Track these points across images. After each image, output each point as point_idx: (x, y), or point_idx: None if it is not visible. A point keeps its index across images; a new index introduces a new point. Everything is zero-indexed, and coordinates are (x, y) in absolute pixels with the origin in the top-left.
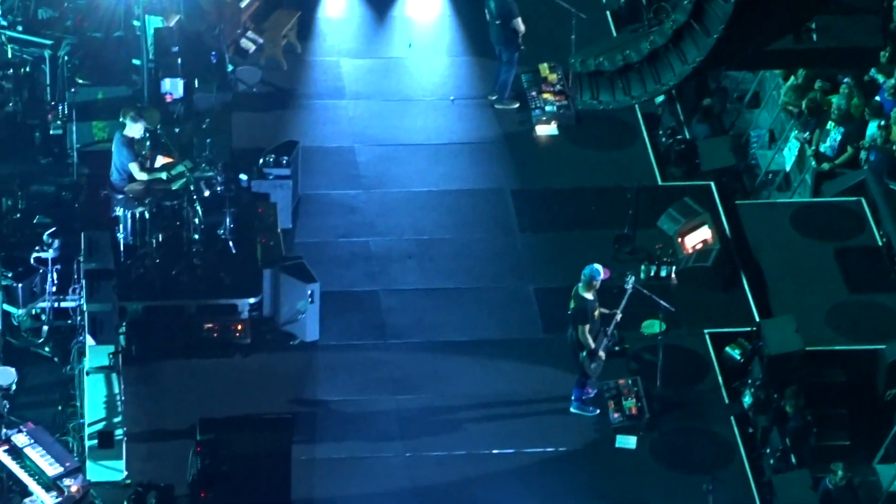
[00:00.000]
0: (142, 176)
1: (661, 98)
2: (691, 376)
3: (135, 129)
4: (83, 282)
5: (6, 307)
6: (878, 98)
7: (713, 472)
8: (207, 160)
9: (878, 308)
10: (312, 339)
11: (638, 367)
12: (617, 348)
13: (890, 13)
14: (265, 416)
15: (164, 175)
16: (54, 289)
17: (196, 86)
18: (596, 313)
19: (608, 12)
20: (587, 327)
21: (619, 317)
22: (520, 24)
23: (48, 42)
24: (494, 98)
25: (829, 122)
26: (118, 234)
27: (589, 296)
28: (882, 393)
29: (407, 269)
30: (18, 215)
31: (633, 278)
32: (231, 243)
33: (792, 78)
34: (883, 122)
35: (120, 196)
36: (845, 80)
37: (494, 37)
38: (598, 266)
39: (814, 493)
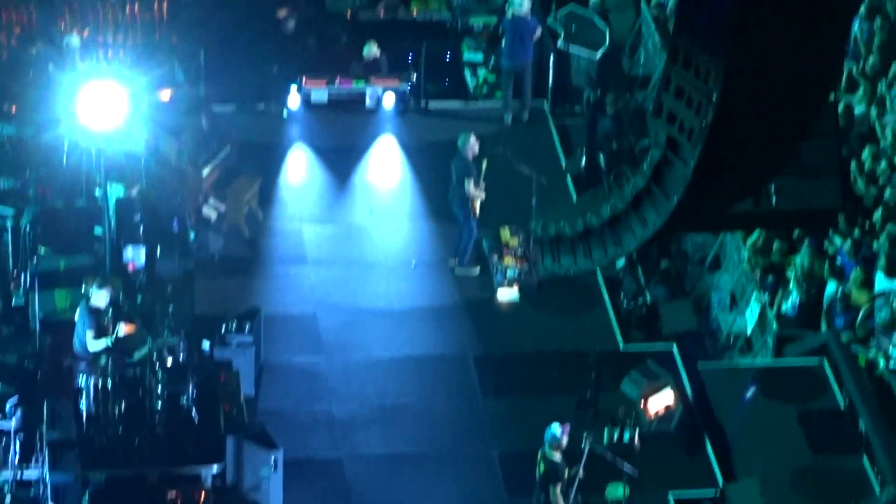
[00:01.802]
0: (99, 344)
1: (622, 262)
2: None
3: (98, 298)
4: (46, 452)
5: None
6: (838, 260)
7: None
8: (169, 328)
9: (842, 471)
10: None
11: None
12: None
13: (849, 174)
14: None
15: (108, 342)
16: (17, 459)
17: (158, 254)
18: (566, 473)
19: (569, 177)
20: (558, 487)
21: (581, 474)
22: (470, 187)
23: (10, 211)
24: (455, 263)
25: (791, 283)
26: (81, 404)
27: (557, 456)
28: None
29: (371, 434)
30: None
31: (592, 437)
32: (194, 411)
33: (754, 234)
34: (844, 285)
35: (83, 366)
36: (806, 240)
37: (451, 198)
38: (555, 425)
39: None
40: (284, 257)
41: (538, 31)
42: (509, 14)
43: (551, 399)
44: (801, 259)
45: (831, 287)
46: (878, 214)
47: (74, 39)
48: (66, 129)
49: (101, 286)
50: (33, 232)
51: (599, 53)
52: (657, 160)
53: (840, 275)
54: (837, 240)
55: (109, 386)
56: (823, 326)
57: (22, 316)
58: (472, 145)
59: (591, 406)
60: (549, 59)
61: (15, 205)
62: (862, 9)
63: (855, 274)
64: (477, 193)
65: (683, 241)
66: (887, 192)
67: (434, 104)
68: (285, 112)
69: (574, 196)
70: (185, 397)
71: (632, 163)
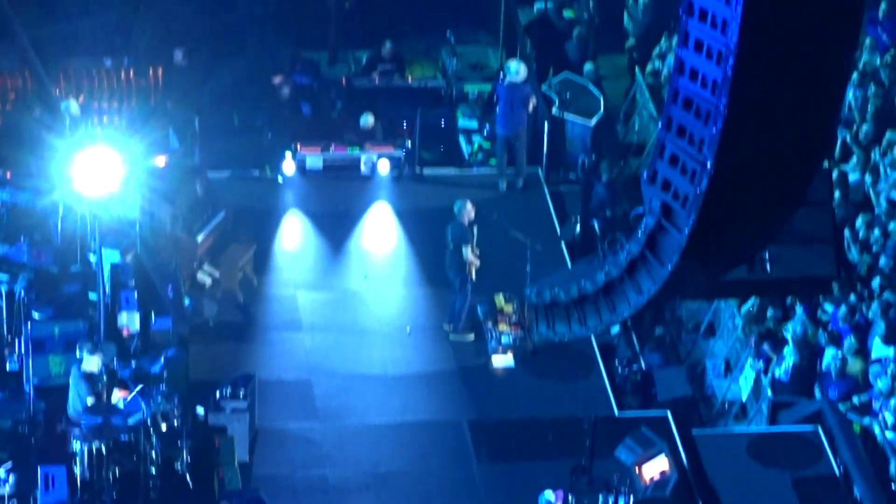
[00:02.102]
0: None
1: (616, 328)
2: None
3: (92, 363)
4: None
5: None
6: (831, 327)
7: None
8: (164, 393)
9: None
10: None
11: None
12: None
13: (843, 242)
14: None
15: (116, 400)
16: None
17: (153, 320)
18: None
19: (563, 244)
20: None
21: None
22: (467, 253)
23: (4, 277)
24: (449, 329)
25: (786, 348)
26: (75, 469)
27: None
28: None
29: (366, 501)
30: None
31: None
32: (188, 477)
33: (748, 303)
34: (840, 353)
35: (77, 431)
36: (800, 306)
37: (448, 263)
38: (548, 492)
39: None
40: (279, 323)
41: (533, 99)
42: (504, 81)
43: (546, 465)
44: (795, 326)
45: (826, 354)
46: (876, 282)
47: (73, 106)
48: (61, 194)
49: (92, 351)
50: (28, 297)
51: (594, 121)
52: (652, 227)
53: (836, 341)
54: (829, 307)
55: (104, 451)
56: (818, 393)
57: (16, 381)
58: (468, 211)
59: (585, 473)
60: (543, 125)
61: (9, 270)
62: (855, 76)
63: (849, 342)
64: (473, 259)
65: (678, 307)
66: (882, 260)
67: (429, 171)
68: (280, 178)
69: (569, 263)
70: (179, 463)
71: (626, 230)
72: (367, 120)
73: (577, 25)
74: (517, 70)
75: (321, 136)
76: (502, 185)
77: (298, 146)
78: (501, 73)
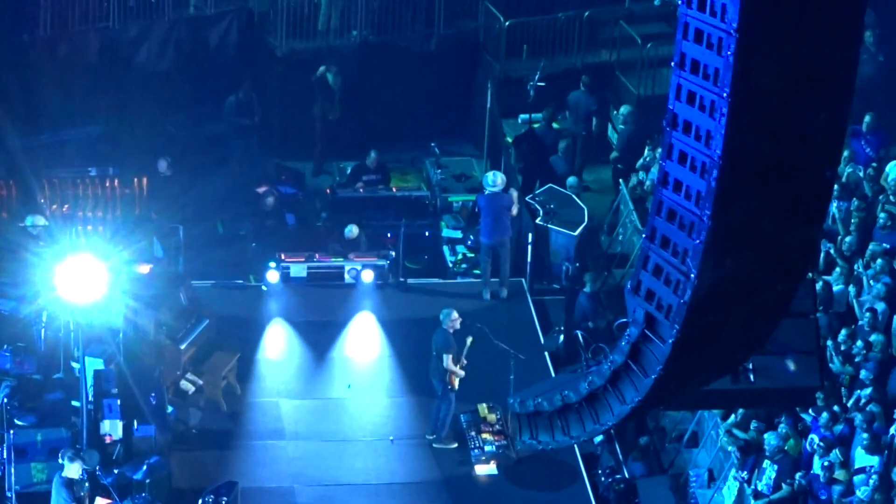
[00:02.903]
0: None
1: (599, 438)
2: None
3: (72, 470)
4: None
5: None
6: (815, 436)
7: None
8: (147, 501)
9: None
10: None
11: None
12: None
13: (824, 353)
14: None
15: None
16: None
17: (135, 427)
18: None
19: (547, 353)
20: None
21: None
22: (448, 362)
23: None
24: (433, 437)
25: (766, 460)
26: None
27: None
28: None
29: None
30: None
31: None
32: None
33: (732, 417)
34: (826, 462)
35: None
36: (782, 420)
37: (431, 370)
38: None
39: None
40: (262, 431)
41: (514, 208)
42: (486, 191)
43: None
44: (770, 439)
45: (812, 464)
46: (866, 391)
47: (39, 219)
48: (44, 302)
49: (74, 459)
50: (10, 404)
51: (578, 231)
52: (635, 337)
53: (824, 452)
54: (807, 418)
55: None
56: None
57: None
58: (454, 320)
59: None
60: (527, 236)
61: None
62: (836, 188)
63: (834, 453)
64: (455, 369)
65: (661, 417)
66: (862, 372)
67: (413, 280)
68: (264, 287)
69: (552, 372)
70: None
71: (610, 340)
72: (352, 230)
73: (563, 138)
74: (493, 181)
75: (305, 246)
76: (486, 295)
77: (282, 256)
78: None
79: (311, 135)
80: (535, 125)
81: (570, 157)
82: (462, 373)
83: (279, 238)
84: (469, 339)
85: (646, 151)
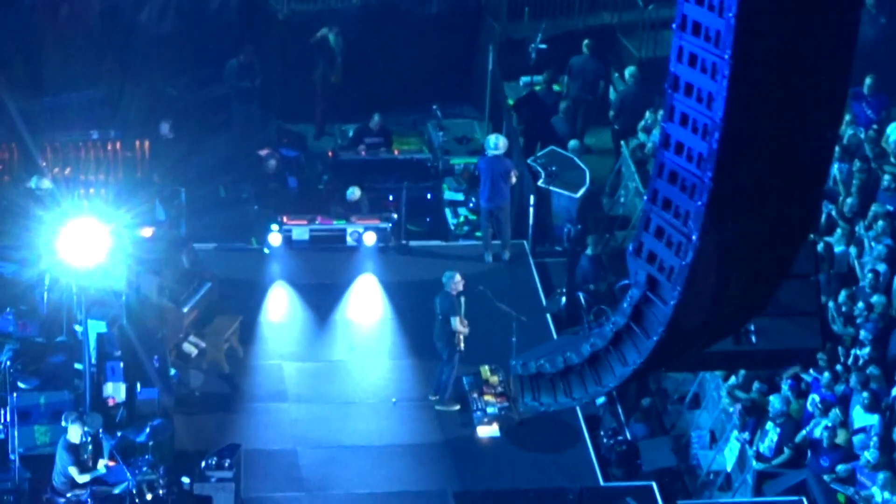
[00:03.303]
0: (83, 478)
1: (602, 399)
2: None
3: (74, 433)
4: None
5: None
6: (816, 396)
7: None
8: (149, 463)
9: None
10: None
11: None
12: None
13: (826, 314)
14: None
15: (102, 469)
16: None
17: (138, 390)
18: None
19: (549, 315)
20: None
21: None
22: (456, 324)
23: None
24: (435, 399)
25: (768, 423)
26: None
27: None
28: None
29: None
30: None
31: None
32: None
33: (732, 378)
34: (829, 423)
35: (62, 500)
36: (786, 380)
37: (436, 334)
38: None
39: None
40: (264, 394)
41: (514, 172)
42: (487, 153)
43: None
44: (775, 401)
45: (816, 425)
46: (864, 351)
47: (45, 182)
48: (47, 265)
49: (75, 422)
50: (13, 367)
51: (580, 193)
52: (637, 299)
53: (825, 411)
54: (808, 376)
55: None
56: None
57: (2, 450)
58: (457, 283)
59: None
60: (529, 198)
61: None
62: (837, 150)
63: (834, 413)
64: (462, 329)
65: (663, 379)
66: (861, 333)
67: (415, 243)
68: (266, 250)
69: (554, 334)
70: None
71: (612, 302)
72: (354, 193)
73: (564, 100)
74: (495, 144)
75: (307, 209)
76: (488, 258)
77: (285, 218)
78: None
79: (313, 97)
80: (537, 88)
81: (571, 118)
82: (467, 331)
83: (281, 201)
84: (462, 300)
85: (647, 114)
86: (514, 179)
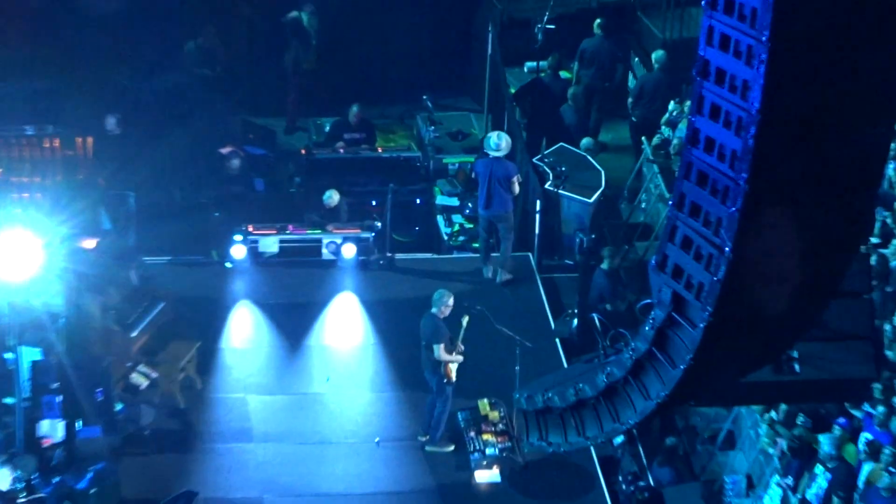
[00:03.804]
0: None
1: (620, 439)
2: None
3: (2, 479)
4: None
5: None
6: (869, 434)
7: None
8: None
9: None
10: None
11: None
12: None
13: (881, 338)
14: None
15: None
16: None
17: (79, 428)
18: None
19: (558, 340)
20: None
21: None
22: (440, 352)
23: None
24: (425, 439)
25: (816, 466)
26: None
27: None
28: None
29: None
30: None
31: None
32: None
33: (772, 413)
34: (882, 467)
35: None
36: (839, 421)
37: (423, 362)
38: None
39: None
40: (226, 432)
41: (516, 179)
42: (483, 154)
43: None
44: (824, 442)
45: (865, 469)
46: None
47: None
48: None
49: (3, 465)
50: None
51: (594, 198)
52: (661, 321)
53: (874, 454)
54: (860, 413)
55: None
56: None
57: None
58: (447, 306)
59: None
60: (535, 204)
61: None
62: (893, 147)
63: (887, 454)
64: (451, 357)
65: (691, 415)
66: None
67: (402, 256)
68: (229, 264)
69: (564, 362)
70: None
71: (631, 324)
72: (331, 197)
73: (574, 88)
74: (496, 144)
75: (277, 216)
76: (487, 272)
77: (250, 227)
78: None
79: (284, 87)
80: (543, 74)
81: (582, 110)
82: (460, 358)
83: (246, 207)
84: (465, 320)
85: (672, 105)
86: (516, 188)
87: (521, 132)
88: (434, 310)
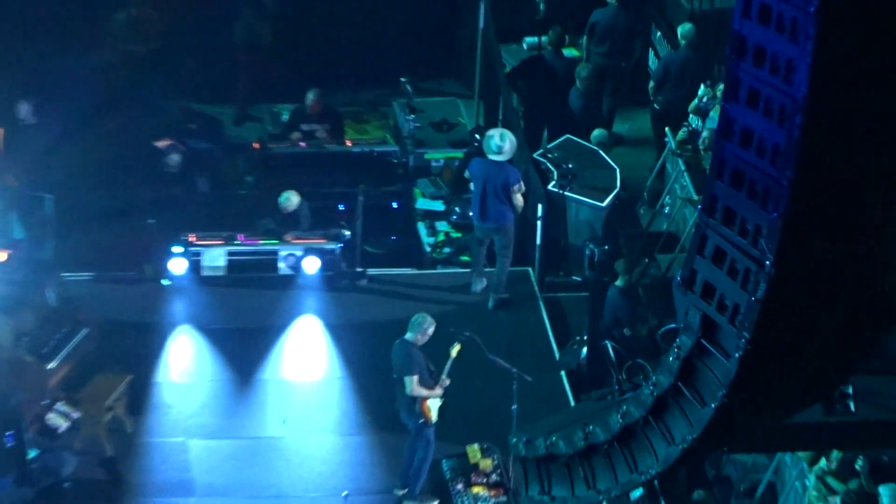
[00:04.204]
0: None
1: (638, 492)
2: None
3: None
4: None
5: None
6: None
7: None
8: None
9: None
10: None
11: None
12: None
13: None
14: None
15: None
16: None
17: None
18: None
19: (563, 373)
20: None
21: None
22: (413, 386)
23: None
24: (403, 493)
25: None
26: None
27: None
28: None
29: None
30: None
31: None
32: None
33: (822, 462)
34: None
35: None
36: None
37: (398, 400)
38: None
39: None
40: (162, 484)
41: (516, 188)
42: (477, 148)
43: None
44: (892, 489)
45: None
46: None
47: None
48: None
49: None
50: None
51: (607, 201)
52: (687, 350)
53: None
54: None
55: None
56: None
57: None
58: (426, 333)
59: None
60: (535, 209)
61: None
62: None
63: None
64: (427, 392)
65: (725, 463)
66: None
67: (375, 271)
68: (167, 281)
69: (571, 400)
70: None
71: (652, 354)
72: (289, 200)
73: (584, 69)
74: (499, 146)
75: (224, 224)
76: (477, 287)
77: (192, 237)
78: (476, 136)
79: (233, 66)
80: (544, 52)
81: (593, 95)
82: (438, 393)
83: (187, 212)
84: (454, 349)
85: (701, 89)
86: (518, 200)
87: (518, 122)
88: (409, 336)
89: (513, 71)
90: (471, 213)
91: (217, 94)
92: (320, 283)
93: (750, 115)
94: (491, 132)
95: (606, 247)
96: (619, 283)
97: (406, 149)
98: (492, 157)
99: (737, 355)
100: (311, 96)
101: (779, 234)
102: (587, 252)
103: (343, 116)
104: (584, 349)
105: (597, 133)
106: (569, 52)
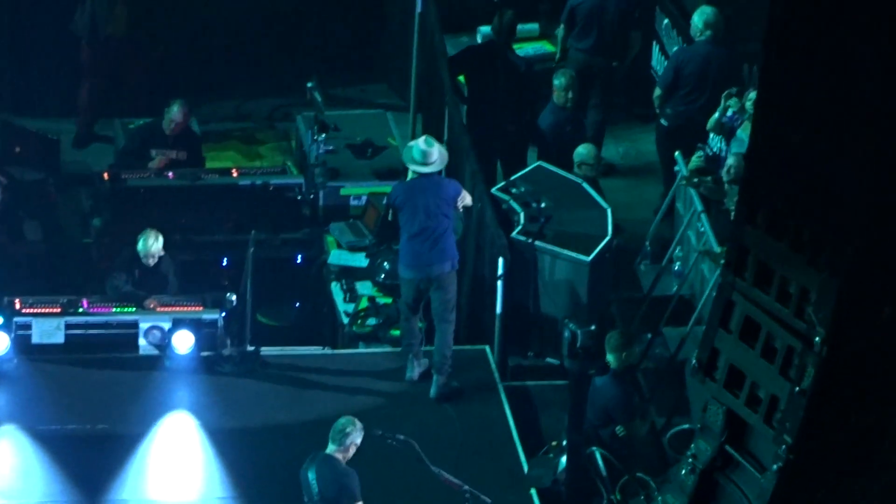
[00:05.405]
0: None
1: None
2: None
3: None
4: None
5: None
6: None
7: None
8: None
9: None
10: None
11: None
12: None
13: None
14: None
15: None
16: None
17: None
18: None
19: (534, 491)
20: None
21: None
22: None
23: None
24: None
25: None
26: None
27: None
28: None
29: None
30: None
31: None
32: None
33: None
34: None
35: None
36: None
37: None
38: None
39: None
40: None
41: (461, 199)
42: (409, 174)
43: None
44: None
45: None
46: None
47: None
48: None
49: None
50: None
51: (593, 254)
52: (707, 462)
53: None
54: None
55: None
56: None
57: None
58: (354, 440)
59: None
60: (494, 265)
61: None
62: None
63: None
64: None
65: None
66: None
67: (272, 351)
68: None
69: None
70: None
71: (656, 464)
72: (152, 247)
73: (561, 69)
74: (423, 154)
75: (62, 284)
76: (414, 373)
77: (17, 303)
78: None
79: (74, 68)
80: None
81: (570, 101)
82: None
83: (10, 268)
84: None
85: (724, 101)
86: (468, 200)
87: (462, 137)
88: (332, 448)
89: (453, 58)
90: (400, 262)
91: (50, 105)
92: (195, 368)
93: None
94: (413, 143)
95: (593, 327)
96: (611, 365)
97: (314, 181)
98: (416, 169)
99: (775, 467)
100: (175, 109)
101: (835, 296)
102: (566, 335)
103: (201, 140)
104: (563, 458)
105: (580, 153)
106: (546, 46)
